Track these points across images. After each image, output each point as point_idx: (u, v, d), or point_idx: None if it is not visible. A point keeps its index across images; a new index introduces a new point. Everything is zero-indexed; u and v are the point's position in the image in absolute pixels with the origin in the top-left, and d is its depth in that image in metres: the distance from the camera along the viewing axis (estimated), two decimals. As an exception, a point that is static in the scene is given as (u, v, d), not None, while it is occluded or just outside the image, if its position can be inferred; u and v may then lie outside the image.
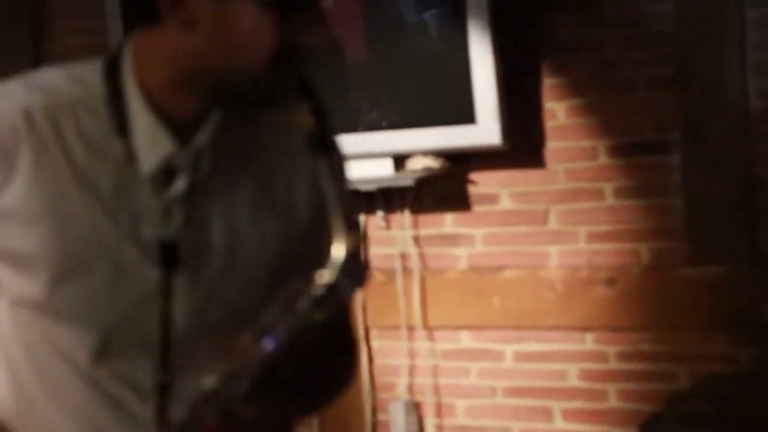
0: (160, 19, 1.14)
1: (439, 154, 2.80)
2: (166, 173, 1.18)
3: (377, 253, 2.99)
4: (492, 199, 2.88)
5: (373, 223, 2.98)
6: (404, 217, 2.95)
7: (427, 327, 2.96)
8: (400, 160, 2.83)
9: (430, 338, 2.97)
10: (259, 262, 1.24)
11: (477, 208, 2.90)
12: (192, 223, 1.19)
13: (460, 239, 2.93)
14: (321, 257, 1.13)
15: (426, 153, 2.79)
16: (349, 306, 1.36)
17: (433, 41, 2.73)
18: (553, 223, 2.82)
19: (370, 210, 2.97)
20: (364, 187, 2.83)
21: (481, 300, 2.89)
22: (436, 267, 2.95)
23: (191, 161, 1.18)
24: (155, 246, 1.16)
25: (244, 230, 1.23)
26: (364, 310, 2.99)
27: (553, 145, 2.79)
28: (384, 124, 2.78)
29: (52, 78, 1.21)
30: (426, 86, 2.75)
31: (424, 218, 2.95)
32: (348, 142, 2.72)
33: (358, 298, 2.95)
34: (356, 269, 1.15)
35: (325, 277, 1.11)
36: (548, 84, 2.77)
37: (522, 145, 2.77)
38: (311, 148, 1.13)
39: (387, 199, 2.95)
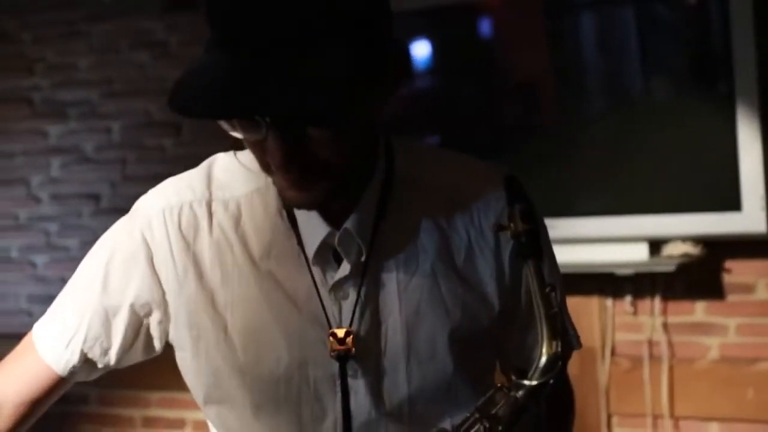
0: None
1: (697, 240, 2.76)
2: (331, 258, 1.18)
3: (623, 339, 2.95)
4: (748, 288, 2.82)
5: (621, 308, 2.95)
6: (654, 303, 2.91)
7: (673, 417, 2.88)
8: (655, 245, 2.80)
9: (676, 428, 2.89)
10: (442, 333, 1.19)
11: (731, 298, 2.84)
12: (365, 303, 1.18)
13: (711, 328, 2.87)
14: (514, 348, 1.21)
15: (684, 239, 2.76)
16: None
17: (698, 125, 2.72)
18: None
19: (617, 294, 2.94)
20: (618, 272, 2.82)
21: (734, 391, 2.81)
22: (686, 356, 2.89)
23: (350, 245, 1.17)
24: (329, 333, 1.16)
25: (423, 302, 1.19)
26: (607, 395, 2.94)
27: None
28: (642, 207, 2.77)
29: (228, 170, 1.24)
30: (689, 171, 2.73)
31: (674, 305, 2.91)
32: (603, 225, 2.77)
33: (601, 383, 2.91)
34: (557, 376, 1.09)
35: (525, 383, 1.07)
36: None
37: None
38: (521, 252, 1.10)
39: (635, 283, 2.92)
